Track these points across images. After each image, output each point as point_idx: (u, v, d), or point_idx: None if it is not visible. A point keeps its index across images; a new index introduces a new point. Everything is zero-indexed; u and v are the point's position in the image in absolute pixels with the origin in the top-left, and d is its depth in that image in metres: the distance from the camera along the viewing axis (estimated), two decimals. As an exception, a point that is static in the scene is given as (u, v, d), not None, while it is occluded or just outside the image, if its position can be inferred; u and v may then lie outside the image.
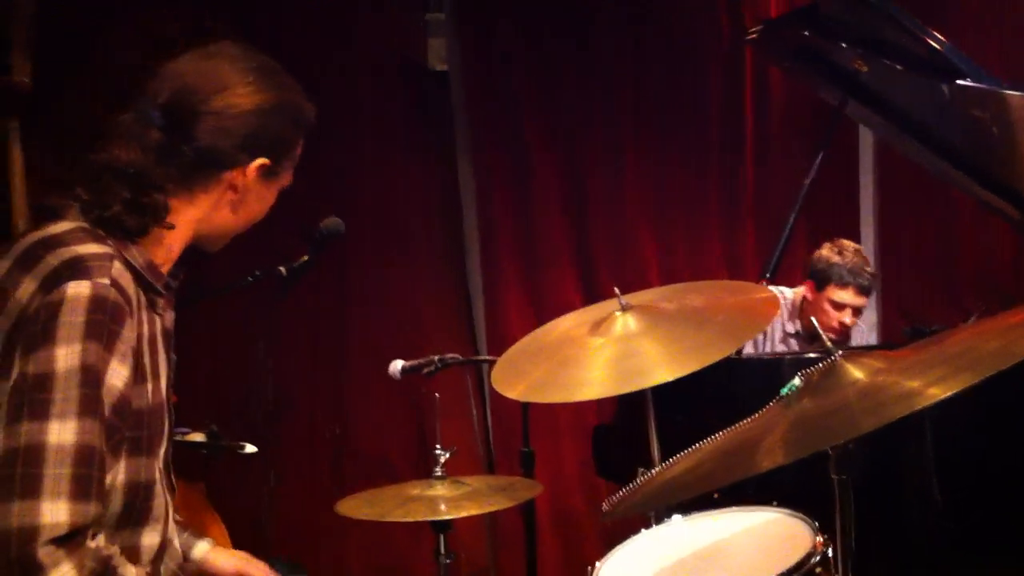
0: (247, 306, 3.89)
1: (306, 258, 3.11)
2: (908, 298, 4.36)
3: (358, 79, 4.55)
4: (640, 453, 2.72)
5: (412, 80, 4.70)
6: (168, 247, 1.62)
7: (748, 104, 4.74)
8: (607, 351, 2.44)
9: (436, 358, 3.45)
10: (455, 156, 4.77)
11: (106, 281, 1.45)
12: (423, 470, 4.36)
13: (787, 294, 3.92)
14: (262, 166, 1.63)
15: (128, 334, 1.47)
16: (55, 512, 1.36)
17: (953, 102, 3.31)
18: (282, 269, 3.09)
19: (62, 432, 1.38)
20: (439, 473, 2.82)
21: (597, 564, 2.23)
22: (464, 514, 2.64)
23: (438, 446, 2.85)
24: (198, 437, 3.09)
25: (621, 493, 1.66)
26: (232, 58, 1.64)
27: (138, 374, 1.50)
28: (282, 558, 3.70)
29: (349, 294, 4.50)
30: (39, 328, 1.42)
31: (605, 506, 1.65)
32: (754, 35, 3.76)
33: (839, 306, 3.68)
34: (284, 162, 1.68)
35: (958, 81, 3.20)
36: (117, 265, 1.49)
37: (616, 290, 2.53)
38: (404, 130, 4.65)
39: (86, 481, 1.39)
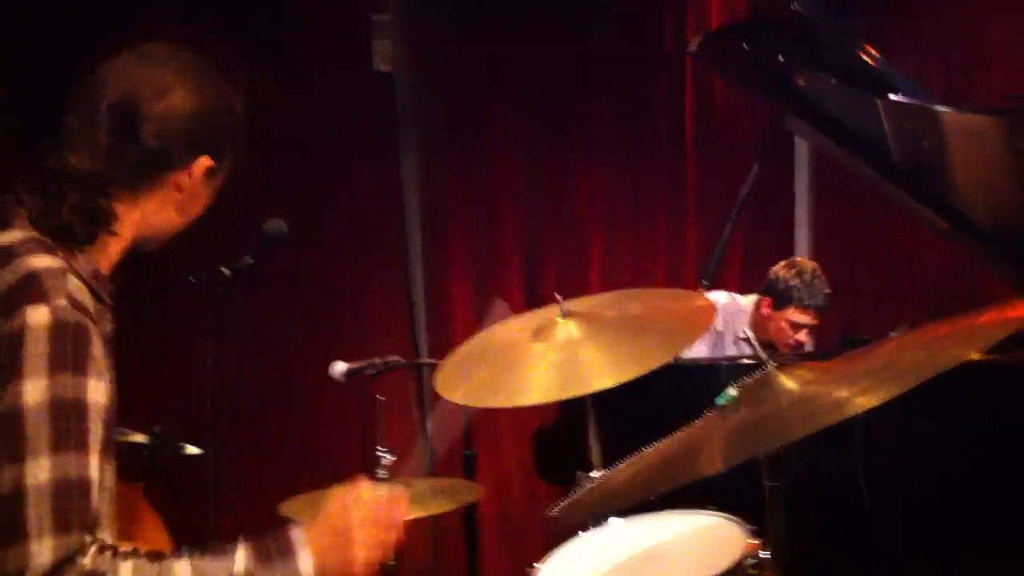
0: (193, 305, 3.87)
1: (251, 261, 3.13)
2: (842, 306, 4.46)
3: (308, 80, 4.55)
4: (581, 456, 2.77)
5: (358, 81, 4.70)
6: (111, 254, 1.63)
7: (688, 108, 4.84)
8: (549, 357, 2.47)
9: (379, 360, 3.48)
10: (399, 159, 4.79)
11: (63, 302, 1.46)
12: (369, 468, 4.40)
13: (741, 302, 4.00)
14: (208, 167, 1.66)
15: (96, 350, 1.47)
16: (40, 552, 1.37)
17: (886, 116, 3.40)
18: (224, 270, 3.11)
19: (38, 471, 1.38)
20: (382, 475, 2.85)
21: (536, 566, 2.28)
22: (407, 516, 2.66)
23: (379, 448, 2.88)
24: (139, 438, 3.09)
25: (567, 499, 1.69)
26: (169, 59, 1.65)
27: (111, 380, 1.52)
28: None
29: (295, 294, 4.50)
30: (4, 361, 1.42)
31: (553, 512, 1.69)
32: (695, 48, 3.83)
33: (797, 326, 3.77)
34: (224, 161, 1.70)
35: (891, 96, 3.31)
36: (72, 280, 1.50)
37: (558, 296, 2.57)
38: (351, 132, 4.66)
39: (67, 514, 1.39)
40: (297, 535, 1.53)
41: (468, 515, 3.35)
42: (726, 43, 3.68)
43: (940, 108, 3.26)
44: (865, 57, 3.36)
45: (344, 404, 4.42)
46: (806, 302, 3.73)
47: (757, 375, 1.62)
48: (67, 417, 1.41)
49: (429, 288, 4.71)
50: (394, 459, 2.89)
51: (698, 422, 1.66)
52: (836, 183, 4.52)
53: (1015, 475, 2.62)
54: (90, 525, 1.42)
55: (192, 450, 3.05)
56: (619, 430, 2.83)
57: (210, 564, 1.47)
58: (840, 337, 3.48)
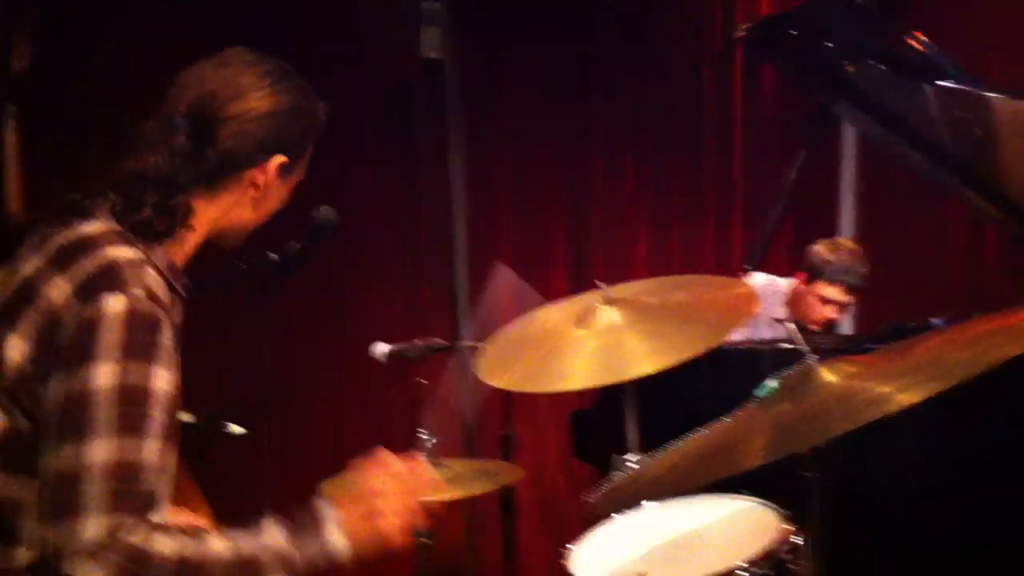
0: (247, 293, 3.95)
1: (299, 246, 3.14)
2: (889, 293, 4.42)
3: (357, 70, 4.57)
4: (618, 439, 2.76)
5: (406, 70, 4.71)
6: (186, 247, 1.69)
7: (738, 103, 4.81)
8: (590, 343, 2.48)
9: (420, 342, 3.49)
10: (448, 148, 4.79)
11: (140, 293, 1.51)
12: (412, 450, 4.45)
13: (780, 283, 3.98)
14: (281, 164, 1.71)
15: (167, 341, 1.52)
16: (86, 528, 1.40)
17: (937, 103, 3.37)
18: (273, 255, 3.13)
19: (97, 452, 1.43)
20: (423, 455, 2.87)
21: (571, 547, 2.30)
22: (447, 497, 2.69)
23: (421, 430, 2.89)
24: (186, 416, 3.12)
25: (603, 485, 1.70)
26: (246, 63, 1.71)
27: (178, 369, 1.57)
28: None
29: (346, 283, 4.55)
30: (78, 345, 1.47)
31: (589, 499, 1.70)
32: (743, 34, 3.81)
33: (825, 301, 3.73)
34: (298, 159, 1.76)
35: (942, 83, 3.27)
36: (149, 272, 1.55)
37: (599, 283, 2.58)
38: (399, 121, 4.66)
39: (123, 495, 1.43)
40: (325, 509, 1.57)
41: (506, 497, 3.35)
42: (775, 30, 3.67)
43: (992, 95, 3.23)
44: (915, 44, 3.31)
45: (391, 388, 4.46)
46: (836, 276, 3.69)
47: (798, 367, 1.61)
48: (133, 403, 1.46)
49: (473, 279, 4.72)
50: (436, 442, 2.89)
51: (738, 413, 1.65)
52: (883, 169, 4.47)
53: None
54: (140, 508, 1.45)
55: (237, 430, 3.07)
56: (656, 413, 2.84)
57: (245, 538, 1.50)
58: (888, 324, 3.43)
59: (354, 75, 4.59)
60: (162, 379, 1.49)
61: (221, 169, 1.67)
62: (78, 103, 3.95)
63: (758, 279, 3.95)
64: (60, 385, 1.46)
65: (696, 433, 1.76)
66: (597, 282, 2.57)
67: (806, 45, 3.59)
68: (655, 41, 4.86)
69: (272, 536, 1.51)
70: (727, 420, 1.66)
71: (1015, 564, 2.66)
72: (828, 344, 3.62)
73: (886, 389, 1.36)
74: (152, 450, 1.47)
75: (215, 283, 3.26)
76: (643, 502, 2.10)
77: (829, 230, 4.70)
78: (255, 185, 1.70)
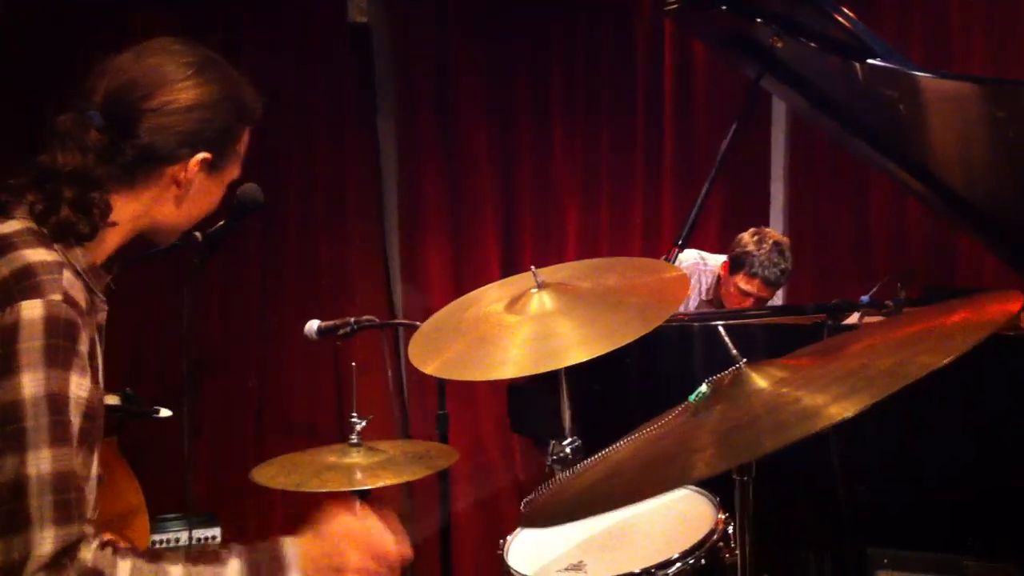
0: (170, 270, 3.83)
1: (222, 224, 3.09)
2: (817, 269, 4.49)
3: (281, 35, 4.47)
4: (554, 413, 2.77)
5: (333, 34, 4.62)
6: (107, 245, 1.64)
7: (668, 75, 4.81)
8: (523, 330, 2.47)
9: (352, 320, 3.47)
10: (375, 115, 4.73)
11: (58, 298, 1.47)
12: (343, 429, 4.41)
13: (710, 262, 4.01)
14: (204, 160, 1.65)
15: (83, 347, 1.50)
16: (42, 541, 1.40)
17: (864, 80, 3.40)
18: (198, 235, 3.07)
19: (40, 463, 1.42)
20: (355, 440, 2.86)
21: (508, 539, 2.31)
22: (380, 484, 2.69)
23: (354, 413, 2.89)
24: (112, 400, 3.08)
25: (538, 496, 1.70)
26: (171, 53, 1.65)
27: (93, 375, 1.54)
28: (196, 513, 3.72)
29: (272, 257, 4.47)
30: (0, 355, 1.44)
31: (523, 509, 1.70)
32: (672, 7, 3.79)
33: (744, 293, 3.80)
34: (227, 155, 1.70)
35: (869, 60, 3.30)
36: (67, 275, 1.51)
37: (532, 268, 2.57)
38: (327, 89, 4.59)
39: (67, 505, 1.43)
40: (291, 553, 1.55)
41: (442, 477, 3.36)
42: (704, 4, 3.66)
43: (918, 73, 3.26)
44: (843, 20, 3.33)
45: (319, 366, 4.44)
46: (754, 271, 3.74)
47: (728, 373, 1.63)
48: (59, 411, 1.45)
49: (404, 248, 4.68)
50: (366, 424, 2.89)
51: (670, 418, 1.66)
52: (813, 144, 4.52)
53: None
54: (85, 515, 1.47)
55: (164, 412, 3.05)
56: (591, 391, 2.86)
57: (203, 568, 1.50)
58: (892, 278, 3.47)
59: (279, 41, 4.49)
60: (79, 386, 1.48)
61: (140, 165, 1.61)
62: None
63: (686, 256, 3.98)
64: None
65: (629, 435, 1.76)
66: (532, 268, 2.56)
67: (735, 20, 3.59)
68: (585, 6, 4.82)
69: (233, 570, 1.50)
70: (659, 424, 1.67)
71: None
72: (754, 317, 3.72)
73: (818, 401, 1.38)
74: (76, 456, 1.46)
75: (137, 261, 3.21)
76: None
77: (760, 203, 4.75)
78: (177, 182, 1.64)
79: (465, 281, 4.69)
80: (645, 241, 4.90)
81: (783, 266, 3.78)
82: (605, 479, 1.55)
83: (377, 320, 3.50)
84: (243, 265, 4.37)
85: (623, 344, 2.34)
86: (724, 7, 3.52)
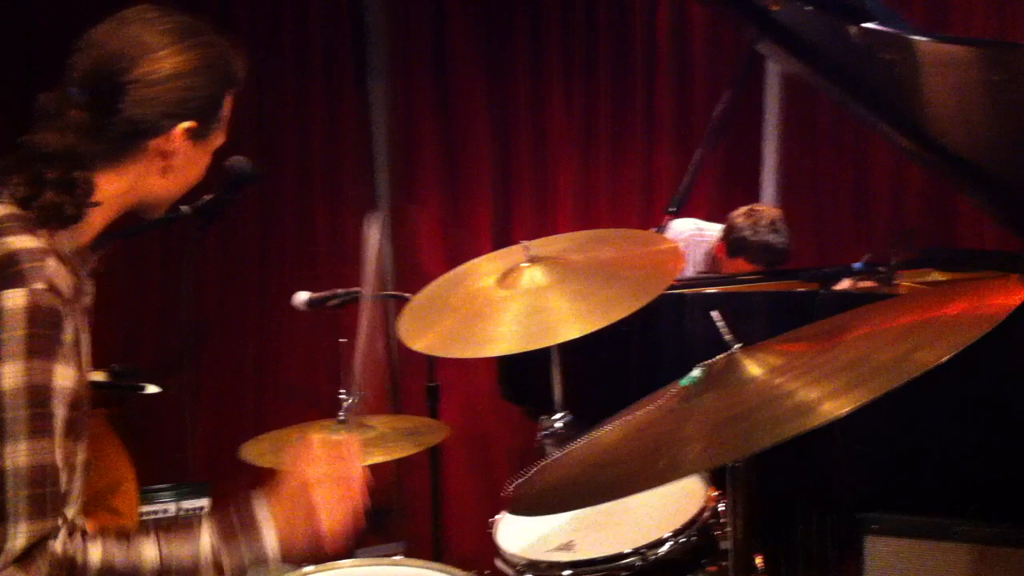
0: (165, 241, 3.82)
1: (210, 197, 3.05)
2: (814, 233, 4.45)
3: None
4: (544, 382, 2.73)
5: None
6: (94, 224, 1.60)
7: (662, 34, 4.75)
8: (514, 306, 2.45)
9: (342, 291, 3.44)
10: (367, 81, 4.65)
11: (41, 286, 1.44)
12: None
13: (706, 232, 3.96)
14: (188, 129, 1.61)
15: (68, 336, 1.47)
16: (15, 535, 1.39)
17: (861, 44, 3.35)
18: (185, 208, 3.03)
19: (16, 455, 1.40)
20: (342, 417, 2.83)
21: (497, 517, 2.29)
22: (371, 462, 2.65)
23: (342, 390, 2.85)
24: (99, 376, 3.05)
25: (526, 482, 1.67)
26: (148, 21, 1.60)
27: (77, 363, 1.51)
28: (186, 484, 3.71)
29: (270, 227, 4.43)
30: None
31: (511, 494, 1.67)
32: (669, -31, 3.74)
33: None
34: (211, 122, 1.66)
35: (865, 24, 3.25)
36: (51, 262, 1.47)
37: (523, 242, 2.53)
38: (318, 51, 4.51)
39: (41, 500, 1.41)
40: (261, 510, 1.55)
41: (434, 451, 3.34)
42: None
43: (915, 37, 3.22)
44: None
45: (318, 335, 4.40)
46: (758, 257, 3.68)
47: (722, 358, 1.59)
48: (40, 403, 1.42)
49: (396, 220, 4.62)
50: (359, 399, 2.85)
51: (659, 402, 1.63)
52: (806, 104, 4.46)
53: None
54: (60, 508, 1.45)
55: (151, 389, 3.01)
56: (581, 362, 2.83)
57: (176, 543, 1.48)
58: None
59: (273, 8, 4.41)
60: (64, 376, 1.45)
61: (124, 139, 1.57)
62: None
63: (683, 226, 3.93)
64: None
65: (619, 415, 1.73)
66: (523, 242, 2.52)
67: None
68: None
69: (205, 541, 1.49)
70: (650, 408, 1.64)
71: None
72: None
73: (813, 395, 1.34)
74: (59, 449, 1.44)
75: (129, 234, 3.17)
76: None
77: (752, 164, 4.71)
78: (162, 154, 1.60)
79: (457, 244, 4.65)
80: (642, 200, 4.86)
81: (783, 244, 3.72)
82: (594, 468, 1.53)
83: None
84: (241, 233, 4.31)
85: (616, 319, 2.32)
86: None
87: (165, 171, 1.62)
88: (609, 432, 1.65)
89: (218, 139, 1.69)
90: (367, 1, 4.61)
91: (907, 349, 1.37)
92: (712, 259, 3.86)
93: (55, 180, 1.52)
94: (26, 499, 1.39)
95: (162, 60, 1.56)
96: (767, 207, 3.79)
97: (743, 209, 3.77)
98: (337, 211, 4.57)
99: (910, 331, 1.47)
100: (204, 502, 3.76)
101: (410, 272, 4.52)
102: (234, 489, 4.28)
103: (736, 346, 1.59)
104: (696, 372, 1.62)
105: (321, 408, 4.39)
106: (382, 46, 4.63)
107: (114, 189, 1.59)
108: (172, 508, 3.69)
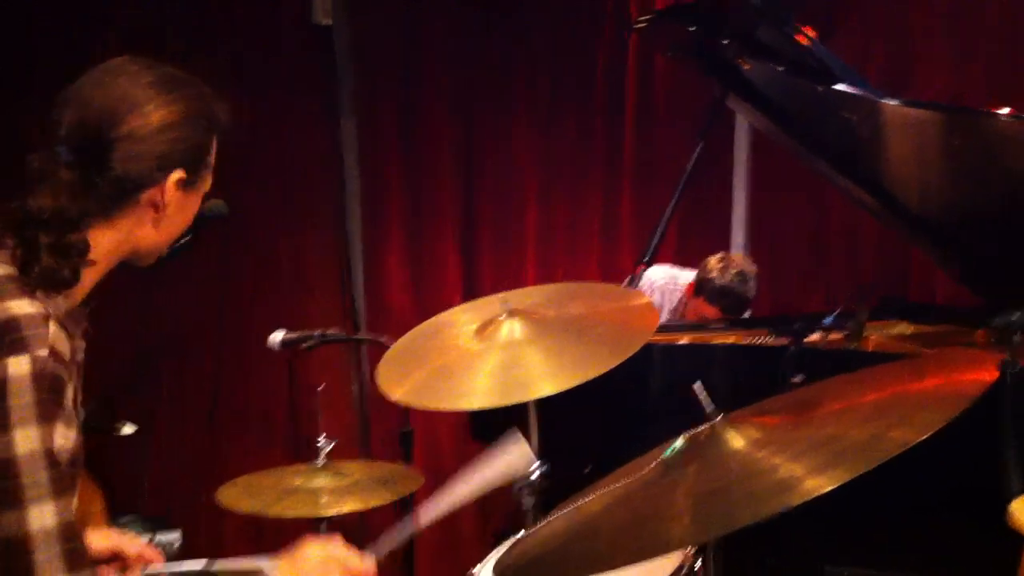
0: (124, 276, 3.78)
1: (187, 239, 3.07)
2: (776, 282, 4.54)
3: (240, 36, 4.41)
4: (517, 419, 2.75)
5: (295, 35, 4.58)
6: (86, 283, 1.60)
7: (631, 79, 4.83)
8: (491, 359, 2.48)
9: (317, 332, 3.45)
10: (339, 117, 4.69)
11: (43, 353, 1.45)
12: (298, 439, 4.38)
13: (679, 279, 4.07)
14: (180, 179, 1.61)
15: (67, 400, 1.48)
16: None
17: (827, 104, 3.46)
18: (158, 250, 3.05)
19: (43, 517, 1.41)
20: (320, 463, 2.86)
21: (474, 571, 2.32)
22: (346, 510, 2.69)
23: (320, 437, 2.88)
24: (73, 416, 3.05)
25: (509, 554, 1.70)
26: (132, 75, 1.59)
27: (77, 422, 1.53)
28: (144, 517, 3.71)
29: (231, 260, 4.42)
30: None
31: (495, 570, 1.71)
32: (642, 24, 3.82)
33: (703, 317, 3.85)
34: (201, 169, 1.67)
35: (833, 85, 3.35)
36: (52, 327, 1.48)
37: (501, 295, 2.58)
38: (287, 89, 4.53)
39: (75, 554, 1.43)
40: None
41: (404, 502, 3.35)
42: (672, 24, 3.69)
43: (880, 100, 3.33)
44: (809, 45, 3.38)
45: (279, 371, 4.41)
46: (714, 300, 3.80)
47: (703, 429, 1.64)
48: (55, 464, 1.43)
49: (367, 252, 4.65)
50: (332, 447, 2.89)
51: (643, 471, 1.68)
52: (775, 153, 4.57)
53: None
54: (87, 563, 1.46)
55: (127, 429, 3.02)
56: (559, 413, 2.87)
57: None
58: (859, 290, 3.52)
59: (242, 42, 4.44)
60: (64, 436, 1.45)
61: (117, 195, 1.56)
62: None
63: (657, 274, 4.02)
64: None
65: (600, 484, 1.77)
66: (501, 295, 2.57)
67: (703, 40, 3.62)
68: (548, 8, 4.82)
69: None
70: (632, 478, 1.68)
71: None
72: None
73: (794, 472, 1.40)
74: (73, 506, 1.46)
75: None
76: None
77: (723, 211, 4.79)
78: (154, 205, 1.60)
79: (425, 284, 4.69)
80: (603, 240, 4.94)
81: (744, 295, 3.83)
82: (578, 540, 1.56)
83: (342, 334, 3.49)
84: (202, 266, 4.32)
85: (591, 377, 2.37)
86: (692, 28, 3.55)
87: (157, 222, 1.63)
88: (591, 501, 1.68)
89: (206, 184, 1.71)
90: (337, 45, 4.66)
91: (882, 427, 1.43)
92: (681, 302, 3.95)
93: (50, 245, 1.52)
94: (60, 555, 1.41)
95: (150, 114, 1.56)
96: (743, 258, 3.89)
97: (719, 254, 3.90)
98: (301, 248, 4.60)
99: (885, 408, 1.54)
100: (175, 535, 3.76)
101: (381, 312, 4.55)
102: (192, 518, 4.26)
103: (719, 416, 1.64)
104: (678, 442, 1.67)
105: (280, 447, 4.43)
106: (350, 84, 4.67)
107: (107, 245, 1.59)
108: (143, 540, 3.68)
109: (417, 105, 4.69)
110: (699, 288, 3.85)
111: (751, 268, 3.90)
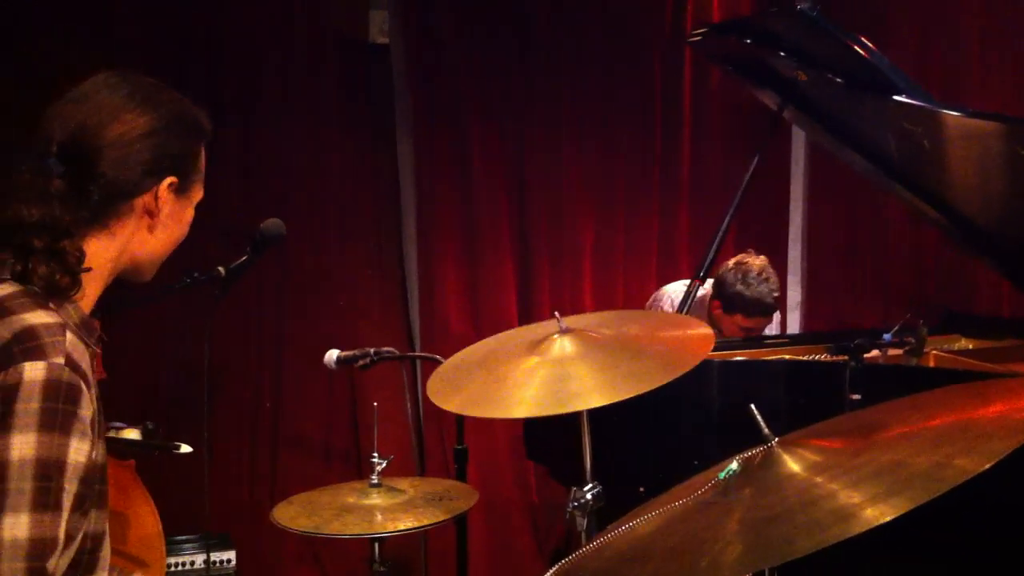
0: (185, 299, 3.85)
1: (245, 258, 3.12)
2: (832, 299, 4.48)
3: (294, 55, 4.44)
4: (571, 440, 2.74)
5: (351, 54, 4.60)
6: (90, 293, 1.62)
7: (687, 93, 4.80)
8: (542, 371, 2.46)
9: (372, 351, 3.47)
10: (394, 135, 4.70)
11: (60, 361, 1.45)
12: (356, 456, 4.40)
13: (698, 294, 3.99)
14: (171, 184, 1.64)
15: (85, 411, 1.47)
16: None
17: (888, 116, 3.40)
18: (221, 269, 3.09)
19: (15, 527, 1.39)
20: (375, 481, 2.87)
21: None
22: (401, 527, 2.69)
23: (375, 454, 2.89)
24: (133, 434, 3.08)
25: (559, 567, 1.68)
26: (112, 87, 1.63)
27: (96, 437, 1.52)
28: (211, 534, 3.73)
29: (287, 281, 4.44)
30: None
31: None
32: (696, 38, 3.79)
33: (747, 329, 3.81)
34: (191, 175, 1.70)
35: (894, 97, 3.29)
36: (69, 337, 1.49)
37: (556, 313, 2.57)
38: (342, 108, 4.55)
39: (39, 572, 1.41)
40: None
41: (459, 519, 3.34)
42: (729, 36, 3.65)
43: (944, 111, 3.27)
44: (869, 58, 3.32)
45: (334, 387, 4.42)
46: (754, 311, 3.75)
47: (758, 451, 1.61)
48: (48, 477, 1.43)
49: (422, 269, 4.66)
50: (387, 464, 2.89)
51: (697, 493, 1.65)
52: (832, 174, 4.51)
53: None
54: None
55: (184, 448, 3.04)
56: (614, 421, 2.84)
57: None
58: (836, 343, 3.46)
59: (297, 62, 4.47)
60: (78, 451, 1.46)
61: (108, 203, 1.60)
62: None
63: (677, 288, 4.03)
64: None
65: (653, 504, 1.75)
66: (556, 314, 2.56)
67: (759, 53, 3.58)
68: (602, 26, 4.80)
69: None
70: (686, 500, 1.65)
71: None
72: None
73: (853, 499, 1.37)
74: (62, 525, 1.44)
75: (160, 295, 3.22)
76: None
77: (779, 227, 4.74)
78: (148, 212, 1.64)
79: (480, 303, 4.67)
80: (661, 257, 4.90)
81: (775, 292, 3.77)
82: (632, 563, 1.54)
83: (396, 352, 3.50)
84: (259, 287, 4.36)
85: (641, 392, 2.34)
86: (748, 41, 3.51)
87: (152, 228, 1.65)
88: (644, 522, 1.66)
89: (199, 192, 1.73)
90: (393, 63, 4.67)
91: (946, 456, 1.39)
92: (708, 316, 3.89)
93: (43, 250, 1.53)
94: (23, 572, 1.39)
95: (133, 120, 1.60)
96: (753, 257, 3.81)
97: (731, 263, 3.81)
98: (356, 266, 4.61)
99: (948, 435, 1.49)
100: (231, 554, 3.78)
101: (437, 331, 4.55)
102: (251, 538, 4.28)
103: (774, 440, 1.61)
104: (734, 465, 1.64)
105: (338, 465, 4.44)
106: (405, 103, 4.68)
107: (105, 254, 1.62)
108: (200, 560, 3.70)
109: (471, 124, 4.67)
110: (732, 305, 3.76)
111: (765, 262, 3.82)
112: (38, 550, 1.41)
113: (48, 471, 1.42)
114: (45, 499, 1.42)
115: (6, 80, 3.81)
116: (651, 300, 4.21)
